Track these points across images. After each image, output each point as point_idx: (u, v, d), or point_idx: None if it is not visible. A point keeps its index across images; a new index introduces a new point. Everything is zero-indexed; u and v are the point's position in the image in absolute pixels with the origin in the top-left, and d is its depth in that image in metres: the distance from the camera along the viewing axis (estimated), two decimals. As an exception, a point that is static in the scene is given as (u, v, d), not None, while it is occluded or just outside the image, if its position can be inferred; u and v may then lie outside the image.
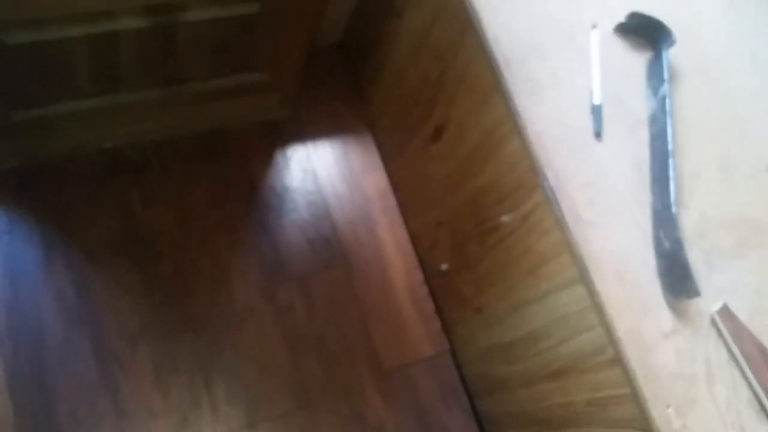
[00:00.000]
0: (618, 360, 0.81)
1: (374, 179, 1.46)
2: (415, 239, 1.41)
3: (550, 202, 0.85)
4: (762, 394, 0.84)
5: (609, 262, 0.83)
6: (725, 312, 0.87)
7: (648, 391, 0.79)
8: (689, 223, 0.89)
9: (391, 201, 1.45)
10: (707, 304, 0.86)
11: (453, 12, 1.00)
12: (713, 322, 0.86)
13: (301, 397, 1.24)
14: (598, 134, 0.90)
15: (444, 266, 1.28)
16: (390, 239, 1.41)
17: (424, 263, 1.40)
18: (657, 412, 0.79)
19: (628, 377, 0.80)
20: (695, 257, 0.87)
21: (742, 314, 0.87)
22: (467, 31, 0.96)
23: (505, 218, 1.00)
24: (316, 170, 1.44)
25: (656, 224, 0.86)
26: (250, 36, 1.12)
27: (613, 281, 0.82)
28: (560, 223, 0.85)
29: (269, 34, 1.13)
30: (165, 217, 1.30)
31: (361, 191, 1.44)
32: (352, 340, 1.31)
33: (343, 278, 1.36)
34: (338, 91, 1.52)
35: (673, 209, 0.86)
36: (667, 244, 0.84)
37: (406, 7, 1.19)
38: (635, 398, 0.81)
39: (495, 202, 1.02)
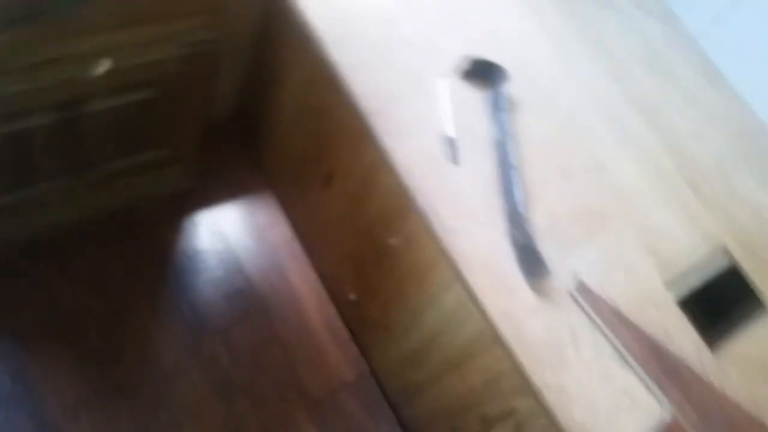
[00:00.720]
0: (497, 339, 0.98)
1: (279, 231, 1.60)
2: (323, 278, 1.56)
3: (422, 220, 1.03)
4: (622, 349, 1.03)
5: (476, 260, 1.01)
6: (580, 287, 1.06)
7: (525, 361, 0.96)
8: (539, 219, 1.09)
9: (297, 248, 1.59)
10: (565, 282, 1.05)
11: (322, 76, 1.17)
12: (572, 296, 1.05)
13: (240, 440, 1.34)
14: (454, 161, 1.09)
15: (352, 296, 1.43)
16: (301, 282, 1.55)
17: (335, 298, 1.54)
18: (536, 377, 0.96)
19: (507, 352, 0.97)
20: (549, 246, 1.07)
21: (595, 286, 1.07)
22: (336, 90, 1.14)
23: (393, 241, 1.16)
24: (224, 231, 1.57)
25: (510, 224, 1.05)
26: (148, 118, 1.25)
27: (481, 275, 1.00)
28: (433, 236, 1.02)
29: (165, 114, 1.27)
30: (87, 294, 1.38)
31: (269, 243, 1.58)
32: (279, 379, 1.42)
33: (262, 324, 1.47)
34: (238, 156, 1.66)
35: (521, 210, 1.05)
36: (520, 239, 1.03)
37: (285, 77, 1.36)
38: (517, 369, 0.97)
39: (383, 229, 1.18)
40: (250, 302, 1.50)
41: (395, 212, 1.12)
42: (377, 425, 1.44)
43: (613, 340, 1.04)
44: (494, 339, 0.98)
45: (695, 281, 1.16)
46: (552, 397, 0.94)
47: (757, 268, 1.23)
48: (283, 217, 1.62)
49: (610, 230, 1.16)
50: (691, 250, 1.20)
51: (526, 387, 0.97)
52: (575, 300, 1.05)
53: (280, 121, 1.46)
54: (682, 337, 1.09)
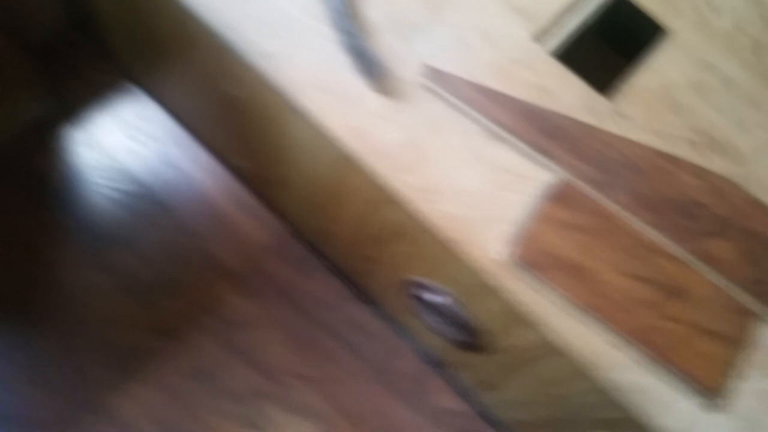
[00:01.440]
0: (353, 159, 0.90)
1: (155, 122, 1.49)
2: (213, 153, 1.47)
3: (238, 56, 0.92)
4: (492, 125, 0.95)
5: (309, 81, 0.91)
6: (430, 72, 0.96)
7: (384, 170, 0.89)
8: (376, 12, 0.97)
9: (179, 132, 1.49)
10: (414, 73, 0.96)
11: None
12: (424, 86, 0.95)
13: (170, 333, 1.32)
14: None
15: (241, 162, 1.35)
16: (193, 166, 1.47)
17: (230, 170, 1.46)
18: (398, 182, 0.89)
19: (364, 169, 0.90)
20: (390, 40, 0.96)
21: (453, 68, 0.97)
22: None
23: (234, 91, 1.06)
24: (100, 141, 1.46)
25: (337, 30, 0.94)
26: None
27: (319, 95, 0.91)
28: (255, 71, 0.92)
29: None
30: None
31: (149, 137, 1.48)
32: (196, 267, 1.38)
33: (166, 220, 1.41)
34: (89, 63, 1.52)
35: (344, 10, 0.94)
36: (350, 42, 0.93)
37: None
38: (379, 184, 0.90)
39: (222, 82, 1.08)
40: (148, 203, 1.43)
41: (217, 58, 1.01)
42: (309, 278, 1.42)
43: (479, 118, 0.96)
44: (351, 159, 0.91)
45: (573, 27, 1.05)
46: (418, 199, 0.88)
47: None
48: (155, 106, 1.51)
49: (460, 1, 1.04)
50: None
51: (392, 196, 0.91)
52: (428, 88, 0.96)
53: (108, 15, 1.31)
54: (566, 92, 1.01)
